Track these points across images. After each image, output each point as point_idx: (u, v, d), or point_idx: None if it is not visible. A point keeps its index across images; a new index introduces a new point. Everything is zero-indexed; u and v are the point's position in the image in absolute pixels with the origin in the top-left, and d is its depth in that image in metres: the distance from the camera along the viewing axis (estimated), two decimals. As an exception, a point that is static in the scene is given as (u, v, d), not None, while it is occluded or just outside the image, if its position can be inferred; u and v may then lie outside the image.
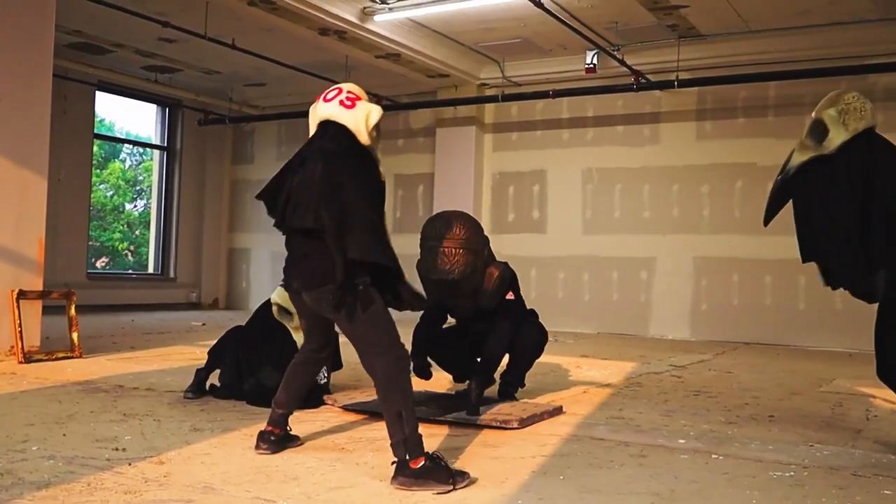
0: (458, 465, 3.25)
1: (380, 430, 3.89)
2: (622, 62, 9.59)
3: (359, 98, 3.42)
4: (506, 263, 4.93)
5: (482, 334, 5.07)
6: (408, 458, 2.99)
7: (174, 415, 4.21)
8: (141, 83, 12.09)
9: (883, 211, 3.62)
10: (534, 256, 11.17)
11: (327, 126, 3.40)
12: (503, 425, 4.00)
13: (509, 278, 4.88)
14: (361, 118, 3.36)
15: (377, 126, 3.38)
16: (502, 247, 11.47)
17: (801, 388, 5.98)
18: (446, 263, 4.57)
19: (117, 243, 20.79)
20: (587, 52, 10.23)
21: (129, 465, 3.15)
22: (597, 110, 10.95)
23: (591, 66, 10.23)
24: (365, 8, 9.04)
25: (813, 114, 3.84)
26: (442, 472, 2.95)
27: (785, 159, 3.94)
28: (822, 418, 4.70)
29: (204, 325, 10.20)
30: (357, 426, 4.04)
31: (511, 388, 4.96)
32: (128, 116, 25.66)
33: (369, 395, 4.74)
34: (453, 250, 4.60)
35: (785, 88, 9.80)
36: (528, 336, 4.95)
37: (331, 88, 3.49)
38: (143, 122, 19.84)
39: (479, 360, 4.84)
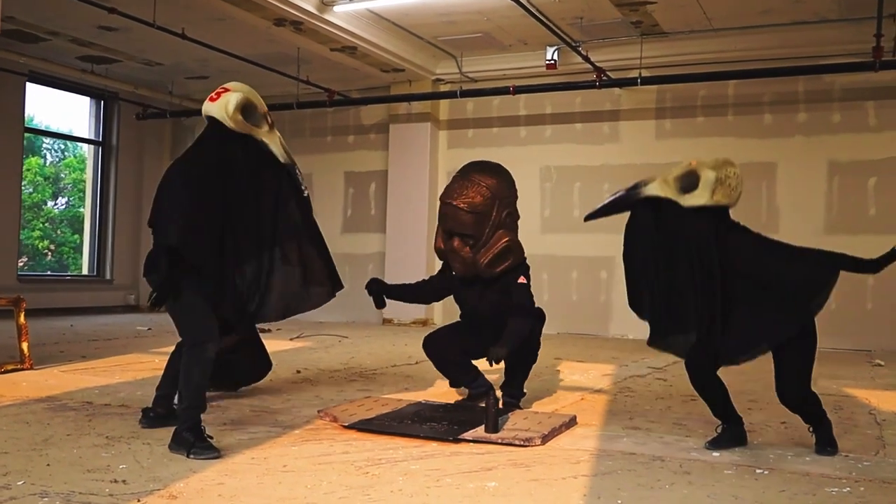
0: (498, 488, 2.99)
1: (395, 448, 3.62)
2: (586, 58, 9.45)
3: (227, 90, 3.73)
4: (520, 243, 4.76)
5: (485, 324, 4.84)
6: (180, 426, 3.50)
7: (163, 436, 3.81)
8: (76, 74, 11.39)
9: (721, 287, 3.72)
10: (491, 256, 10.96)
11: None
12: (526, 443, 3.74)
13: (518, 257, 4.73)
14: (223, 106, 3.67)
15: (243, 109, 3.68)
16: (459, 246, 11.27)
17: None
18: (456, 191, 4.68)
19: (37, 242, 19.79)
20: (547, 47, 10.08)
21: (138, 501, 2.79)
22: (555, 107, 10.81)
23: (552, 62, 10.07)
24: (324, -3, 8.69)
25: (694, 162, 3.82)
26: (190, 445, 3.42)
27: (643, 180, 3.91)
28: (833, 425, 4.58)
29: (150, 329, 9.67)
30: (369, 446, 3.73)
31: (516, 399, 4.72)
32: (48, 109, 24.45)
33: (368, 408, 4.44)
34: (476, 186, 4.66)
35: (744, 87, 9.82)
36: (534, 341, 4.73)
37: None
38: (67, 115, 18.85)
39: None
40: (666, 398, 5.43)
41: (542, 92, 10.42)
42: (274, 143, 3.81)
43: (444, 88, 11.29)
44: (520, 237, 4.91)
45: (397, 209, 11.38)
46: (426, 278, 5.33)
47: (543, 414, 4.43)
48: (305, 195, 3.93)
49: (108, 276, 12.66)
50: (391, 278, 11.28)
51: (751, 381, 6.37)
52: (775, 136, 9.71)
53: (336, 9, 8.87)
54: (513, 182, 4.90)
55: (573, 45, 9.21)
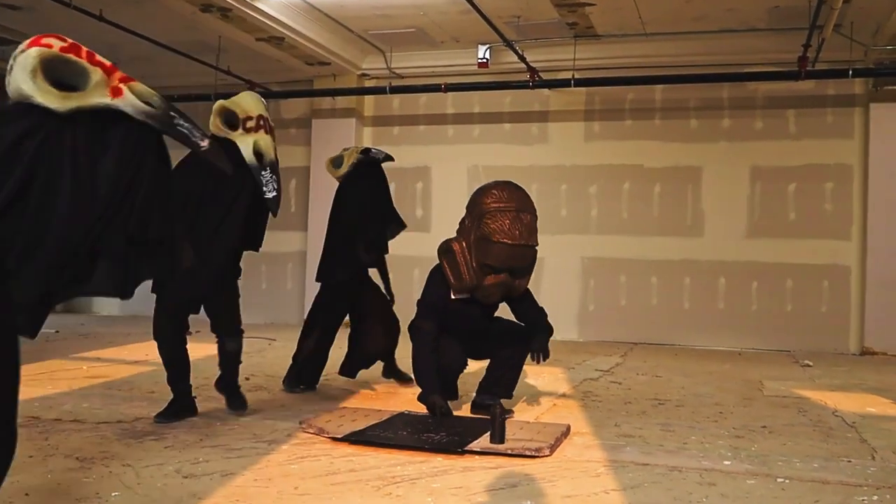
0: (546, 509, 2.82)
1: (402, 464, 3.41)
2: (522, 58, 9.38)
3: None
4: None
5: (478, 338, 4.71)
6: None
7: (141, 456, 3.46)
8: (-33, 55, 10.49)
9: None
10: (417, 256, 10.74)
11: None
12: (536, 454, 3.59)
13: None
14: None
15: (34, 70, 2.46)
16: (385, 246, 11.02)
17: (748, 393, 5.97)
18: (528, 229, 4.47)
19: None
20: (479, 46, 9.97)
21: (156, 535, 2.47)
22: (483, 107, 10.70)
23: (484, 60, 9.96)
24: (256, -15, 8.28)
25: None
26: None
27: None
28: (811, 427, 4.64)
29: (57, 332, 8.98)
30: (372, 462, 3.48)
31: (497, 397, 4.55)
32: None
33: (352, 419, 4.18)
34: (530, 216, 4.53)
35: (671, 92, 9.98)
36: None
37: None
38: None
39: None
40: (632, 402, 5.38)
41: (475, 90, 10.31)
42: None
43: (369, 84, 11.00)
44: (446, 237, 4.84)
45: (320, 206, 10.96)
46: (429, 328, 4.59)
47: (537, 423, 4.29)
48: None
49: None
50: (313, 278, 10.95)
51: (695, 382, 6.44)
52: (701, 141, 9.91)
53: (268, -4, 8.48)
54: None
55: (511, 44, 9.12)
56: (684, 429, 4.46)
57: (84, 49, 2.59)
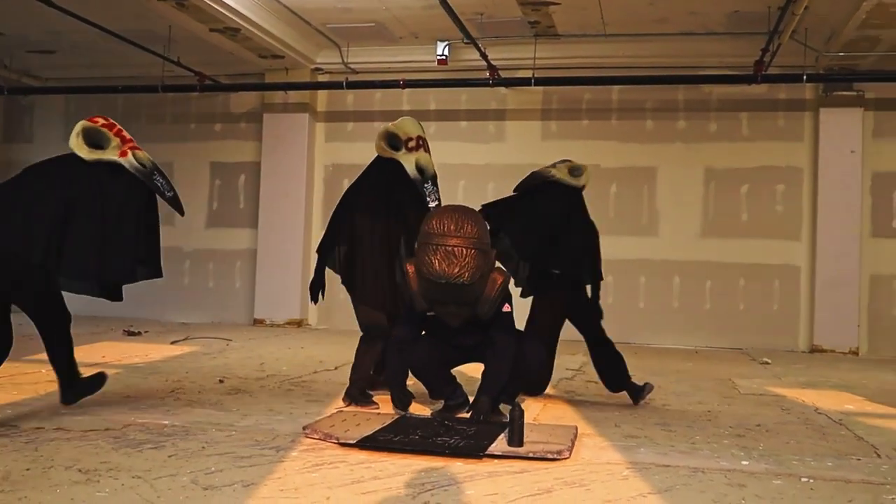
0: (595, 515, 2.74)
1: (425, 470, 3.30)
2: (484, 56, 9.32)
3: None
4: (506, 271, 4.45)
5: (466, 349, 4.57)
6: None
7: (147, 466, 3.25)
8: None
9: None
10: (371, 254, 10.61)
11: None
12: (557, 456, 3.52)
13: (507, 287, 4.41)
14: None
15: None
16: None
17: (725, 391, 6.04)
18: (456, 265, 4.02)
19: None
20: (438, 42, 9.87)
21: (203, 553, 2.31)
22: (440, 104, 10.61)
23: (443, 57, 9.87)
24: (216, -27, 8.00)
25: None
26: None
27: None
28: (803, 426, 4.70)
29: None
30: (391, 468, 3.35)
31: (498, 402, 4.47)
32: None
33: (357, 423, 4.04)
34: (464, 250, 4.07)
35: (628, 93, 10.08)
36: (534, 355, 4.52)
37: None
38: None
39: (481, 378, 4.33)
40: (618, 401, 5.37)
41: (434, 87, 10.22)
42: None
43: (322, 79, 10.79)
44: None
45: (271, 203, 10.74)
46: (401, 333, 4.52)
47: (546, 425, 4.23)
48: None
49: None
50: (263, 274, 10.70)
51: (668, 381, 6.48)
52: (656, 142, 10.03)
53: (228, -14, 8.20)
54: (478, 214, 4.41)
55: (474, 41, 9.05)
56: (683, 428, 4.46)
57: (116, 127, 4.20)
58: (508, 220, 5.22)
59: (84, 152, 4.03)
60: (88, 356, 6.89)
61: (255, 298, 10.80)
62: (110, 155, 4.06)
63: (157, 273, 4.27)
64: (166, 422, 4.14)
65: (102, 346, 7.55)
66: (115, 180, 4.05)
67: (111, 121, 4.21)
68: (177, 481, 3.05)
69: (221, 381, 5.69)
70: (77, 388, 4.35)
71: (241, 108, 11.19)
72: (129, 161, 4.08)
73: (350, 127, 10.93)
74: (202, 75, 10.25)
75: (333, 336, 9.51)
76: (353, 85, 10.07)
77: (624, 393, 5.30)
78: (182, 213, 4.40)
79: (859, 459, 3.79)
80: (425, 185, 4.80)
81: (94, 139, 4.07)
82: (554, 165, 5.36)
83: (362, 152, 10.88)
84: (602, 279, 5.46)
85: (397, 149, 4.82)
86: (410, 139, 4.82)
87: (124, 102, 11.41)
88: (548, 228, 5.13)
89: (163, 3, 8.31)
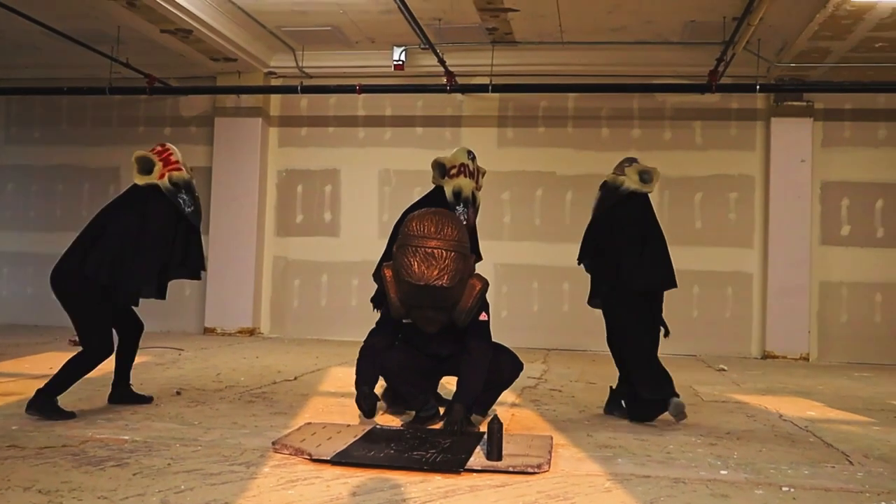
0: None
1: (403, 485, 3.21)
2: (442, 62, 9.26)
3: None
4: (485, 278, 4.38)
5: (440, 358, 4.49)
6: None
7: (112, 486, 3.09)
8: None
9: None
10: (325, 261, 10.45)
11: None
12: (537, 469, 3.45)
13: (484, 295, 4.35)
14: None
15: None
16: (289, 250, 10.63)
17: (688, 399, 5.99)
18: (435, 268, 3.97)
19: None
20: (395, 48, 9.78)
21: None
22: (395, 110, 10.52)
23: (400, 62, 9.78)
24: (169, -28, 7.79)
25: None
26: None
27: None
28: (771, 433, 4.72)
29: (-66, 344, 8.15)
30: (369, 485, 3.24)
31: (471, 412, 4.40)
32: None
33: (328, 436, 3.92)
34: (444, 252, 4.02)
35: (584, 101, 10.12)
36: (510, 367, 4.46)
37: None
38: None
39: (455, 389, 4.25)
40: (586, 410, 5.36)
41: (390, 93, 10.11)
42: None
43: (275, 83, 10.61)
44: (356, 242, 4.65)
45: (222, 209, 10.51)
46: (374, 342, 4.54)
47: (522, 436, 4.15)
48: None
49: None
50: (214, 282, 10.46)
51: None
52: (612, 150, 10.06)
53: (181, -14, 7.99)
54: (457, 218, 4.37)
55: (432, 46, 8.97)
56: (655, 437, 4.44)
57: (167, 152, 4.75)
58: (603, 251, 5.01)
59: (137, 178, 4.67)
60: (35, 367, 6.63)
61: (206, 306, 10.55)
62: (153, 178, 4.64)
63: (191, 275, 4.99)
64: (126, 437, 3.97)
65: (49, 357, 7.27)
66: (153, 201, 4.62)
67: (166, 146, 4.81)
68: (146, 501, 2.90)
69: (178, 393, 5.51)
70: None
71: (192, 112, 10.94)
72: (163, 183, 4.63)
73: (304, 132, 10.77)
74: (152, 77, 9.97)
75: (287, 345, 9.33)
76: (307, 89, 9.91)
77: (592, 402, 5.26)
78: (198, 227, 4.85)
79: (833, 467, 3.80)
80: (457, 207, 5.07)
81: (146, 166, 4.67)
82: (622, 170, 5.10)
83: (316, 157, 10.86)
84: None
85: (444, 177, 5.22)
86: (453, 167, 5.19)
87: (69, 104, 11.08)
88: (635, 246, 4.88)
89: (112, 1, 8.06)
